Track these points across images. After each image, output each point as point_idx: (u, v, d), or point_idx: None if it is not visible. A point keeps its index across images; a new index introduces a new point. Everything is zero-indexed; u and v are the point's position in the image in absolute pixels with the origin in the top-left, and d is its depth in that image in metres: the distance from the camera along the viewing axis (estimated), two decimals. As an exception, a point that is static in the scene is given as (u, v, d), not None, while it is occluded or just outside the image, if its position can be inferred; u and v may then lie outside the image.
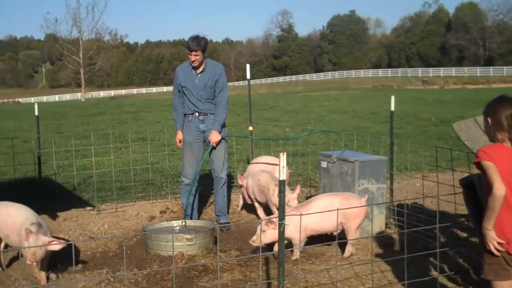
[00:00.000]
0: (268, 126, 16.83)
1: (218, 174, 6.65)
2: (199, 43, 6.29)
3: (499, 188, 3.13)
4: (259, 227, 5.13)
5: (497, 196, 3.14)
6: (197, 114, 6.53)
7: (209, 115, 6.52)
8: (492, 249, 3.24)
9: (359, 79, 73.02)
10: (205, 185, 7.78)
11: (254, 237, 5.13)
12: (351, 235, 5.35)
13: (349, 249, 5.44)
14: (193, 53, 6.30)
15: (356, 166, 5.89)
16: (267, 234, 5.10)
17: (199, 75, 6.46)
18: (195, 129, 6.55)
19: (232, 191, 8.25)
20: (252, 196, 6.85)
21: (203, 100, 6.47)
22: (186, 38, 6.48)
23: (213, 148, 6.52)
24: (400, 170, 9.26)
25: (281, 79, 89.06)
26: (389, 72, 78.68)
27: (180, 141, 6.74)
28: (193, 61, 6.37)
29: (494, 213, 3.18)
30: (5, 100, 58.38)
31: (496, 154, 3.24)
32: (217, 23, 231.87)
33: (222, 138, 6.56)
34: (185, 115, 6.64)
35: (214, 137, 6.44)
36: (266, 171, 6.83)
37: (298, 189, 6.18)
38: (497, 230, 3.24)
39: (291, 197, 5.98)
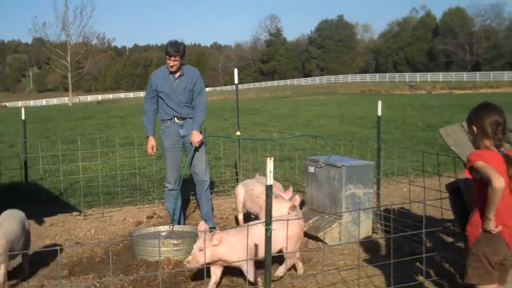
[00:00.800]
0: (256, 131, 16.83)
1: (201, 177, 6.61)
2: (178, 48, 6.32)
3: (498, 181, 3.13)
4: (195, 245, 4.54)
5: (498, 189, 3.13)
6: (176, 119, 6.51)
7: (187, 119, 6.52)
8: (493, 228, 3.24)
9: (347, 84, 73.28)
10: (188, 190, 7.76)
11: (190, 257, 4.50)
12: (296, 252, 4.95)
13: (300, 265, 5.07)
14: (172, 58, 6.33)
15: (343, 171, 5.91)
16: (207, 252, 4.41)
17: (177, 79, 6.48)
18: (174, 134, 6.54)
19: (215, 195, 8.21)
20: (240, 205, 6.48)
21: (182, 104, 6.47)
22: (175, 42, 6.49)
23: (196, 149, 6.49)
24: (387, 175, 9.30)
25: (269, 83, 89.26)
26: (377, 77, 79.10)
27: (152, 148, 6.69)
28: (171, 66, 6.39)
29: (495, 205, 3.19)
30: (-9, 104, 57.95)
31: (486, 156, 3.27)
32: (205, 27, 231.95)
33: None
34: (162, 120, 6.61)
35: (196, 137, 6.41)
36: (260, 182, 6.61)
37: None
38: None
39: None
